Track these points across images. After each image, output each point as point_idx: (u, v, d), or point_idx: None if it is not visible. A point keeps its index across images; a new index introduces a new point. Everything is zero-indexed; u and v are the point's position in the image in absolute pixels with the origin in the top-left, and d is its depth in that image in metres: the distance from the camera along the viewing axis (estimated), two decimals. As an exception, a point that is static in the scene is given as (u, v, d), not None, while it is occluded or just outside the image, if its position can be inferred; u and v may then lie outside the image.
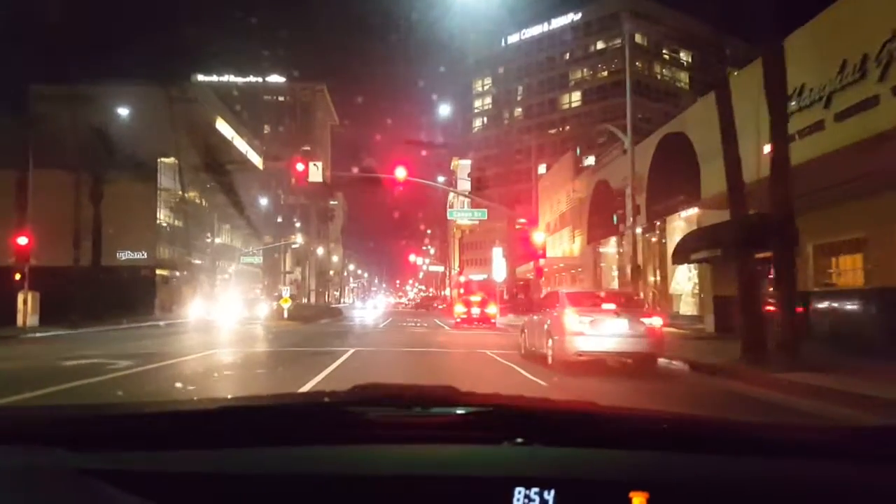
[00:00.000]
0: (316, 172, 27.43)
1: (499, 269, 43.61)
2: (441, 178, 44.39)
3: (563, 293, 11.17)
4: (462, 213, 30.45)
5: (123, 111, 50.16)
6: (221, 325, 25.17)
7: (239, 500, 1.26)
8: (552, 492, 1.23)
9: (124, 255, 48.47)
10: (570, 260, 33.19)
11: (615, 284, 29.17)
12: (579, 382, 9.16)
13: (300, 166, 27.51)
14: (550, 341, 10.52)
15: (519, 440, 1.38)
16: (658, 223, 24.09)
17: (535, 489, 1.23)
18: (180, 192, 46.28)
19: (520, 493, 1.23)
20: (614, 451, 1.38)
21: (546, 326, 10.84)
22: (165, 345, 16.09)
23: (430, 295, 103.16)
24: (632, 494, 1.23)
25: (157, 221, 50.68)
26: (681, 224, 23.16)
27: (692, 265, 21.40)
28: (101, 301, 33.38)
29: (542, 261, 27.83)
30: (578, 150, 32.34)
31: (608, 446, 1.40)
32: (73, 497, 1.26)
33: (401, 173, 26.76)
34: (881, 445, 1.46)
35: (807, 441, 1.53)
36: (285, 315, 27.17)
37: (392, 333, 23.01)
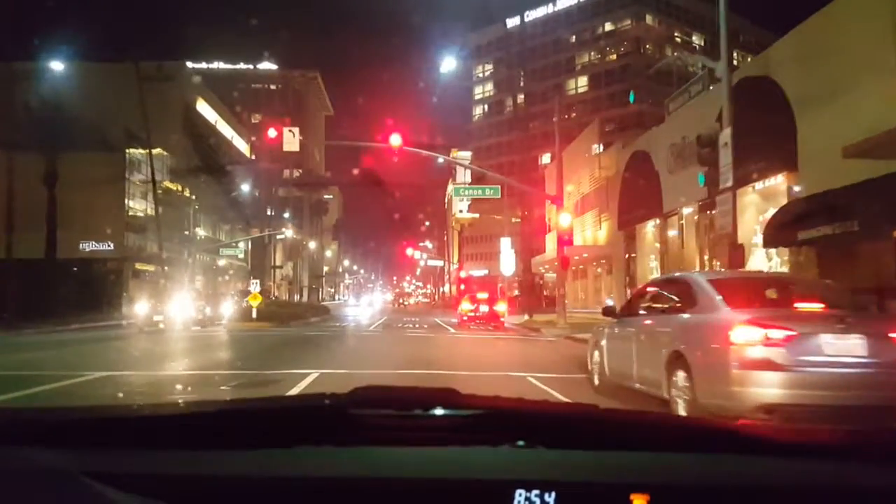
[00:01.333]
0: (292, 140, 22.43)
1: (507, 261, 38.71)
2: (441, 160, 39.23)
3: (703, 281, 5.71)
4: (470, 191, 25.19)
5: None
6: (172, 327, 20.13)
7: (238, 502, 1.25)
8: (553, 494, 1.22)
9: (88, 247, 43.69)
10: (595, 249, 28.09)
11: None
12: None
13: (272, 132, 22.54)
14: (680, 376, 5.36)
15: (520, 442, 1.37)
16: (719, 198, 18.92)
17: (536, 491, 1.21)
18: (155, 178, 41.42)
19: (520, 495, 1.21)
20: (615, 454, 1.37)
21: (668, 349, 5.69)
22: (59, 358, 11.23)
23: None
24: (633, 496, 1.21)
25: (127, 210, 45.61)
26: (754, 198, 18.05)
27: (775, 250, 16.31)
28: (58, 298, 29.35)
29: (566, 249, 22.82)
30: (633, 97, 26.97)
31: (609, 448, 1.38)
32: (75, 499, 1.24)
33: (396, 140, 21.96)
34: (880, 447, 1.44)
35: (806, 442, 1.50)
36: (254, 315, 22.02)
37: (383, 340, 17.96)
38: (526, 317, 29.66)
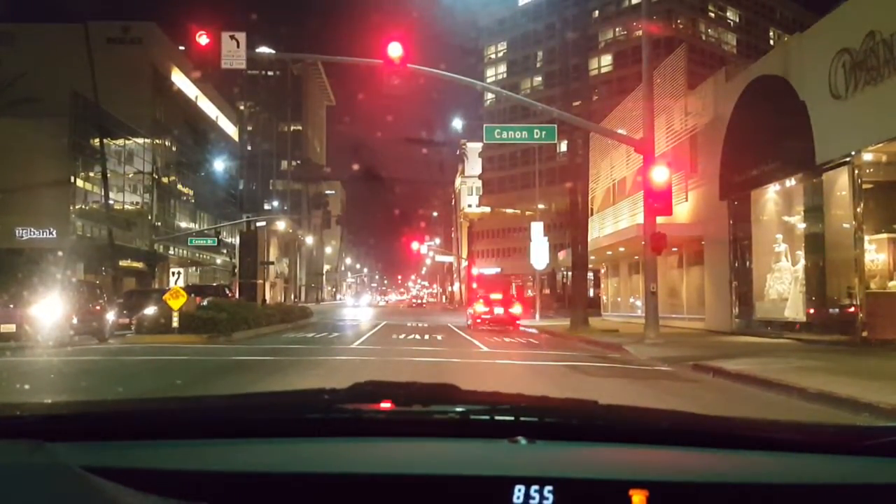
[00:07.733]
0: (236, 52, 14.60)
1: (539, 252, 30.94)
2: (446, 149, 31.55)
3: None
4: (511, 132, 17.00)
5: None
6: (35, 342, 12.40)
7: (236, 497, 1.23)
8: (552, 489, 1.19)
9: (25, 234, 35.99)
10: (678, 229, 20.02)
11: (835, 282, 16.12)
12: None
13: (202, 38, 14.64)
14: None
15: (518, 438, 1.35)
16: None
17: (535, 487, 1.19)
18: (103, 147, 34.05)
19: (519, 490, 1.19)
20: (614, 449, 1.37)
21: None
22: None
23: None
24: (632, 492, 1.19)
25: (74, 191, 37.70)
26: None
27: None
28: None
29: (660, 219, 14.99)
30: None
31: (608, 444, 1.38)
32: (74, 493, 1.20)
33: (395, 51, 14.18)
34: (879, 444, 1.40)
35: (806, 438, 1.48)
36: (175, 324, 14.02)
37: (368, 376, 9.95)
38: (568, 321, 21.78)
